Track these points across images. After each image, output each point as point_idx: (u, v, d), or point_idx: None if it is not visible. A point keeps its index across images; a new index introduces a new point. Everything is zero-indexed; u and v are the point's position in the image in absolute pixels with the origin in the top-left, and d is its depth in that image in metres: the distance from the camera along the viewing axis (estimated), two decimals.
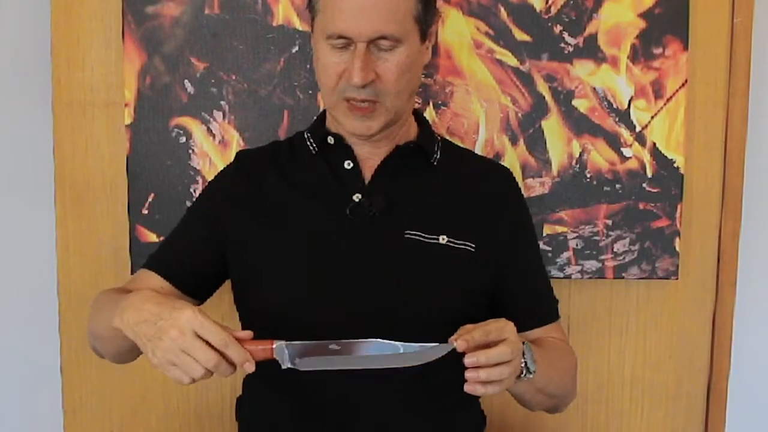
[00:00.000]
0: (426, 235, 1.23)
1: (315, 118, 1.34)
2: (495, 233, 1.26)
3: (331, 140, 1.27)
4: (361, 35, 1.14)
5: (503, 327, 1.07)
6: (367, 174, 1.26)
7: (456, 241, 1.23)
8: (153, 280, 1.26)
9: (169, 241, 1.32)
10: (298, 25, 1.50)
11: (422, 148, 1.28)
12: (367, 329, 1.15)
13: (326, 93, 1.22)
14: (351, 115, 1.20)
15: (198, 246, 1.28)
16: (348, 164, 1.26)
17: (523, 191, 1.51)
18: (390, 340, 1.10)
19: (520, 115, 1.53)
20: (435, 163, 1.28)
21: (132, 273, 1.55)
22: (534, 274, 1.32)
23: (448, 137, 1.50)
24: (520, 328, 1.27)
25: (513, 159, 1.53)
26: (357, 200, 1.23)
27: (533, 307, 1.31)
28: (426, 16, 1.20)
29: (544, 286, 1.34)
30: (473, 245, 1.24)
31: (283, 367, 1.05)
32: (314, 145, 1.28)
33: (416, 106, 1.51)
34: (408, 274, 1.21)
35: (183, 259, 1.28)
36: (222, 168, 1.38)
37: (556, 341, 1.30)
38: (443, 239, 1.23)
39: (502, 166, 1.41)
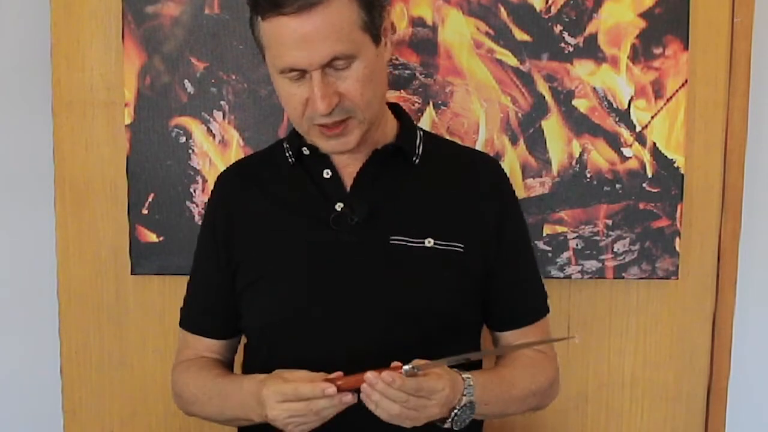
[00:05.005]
0: (411, 240, 1.21)
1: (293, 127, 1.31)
2: (483, 230, 1.25)
3: (306, 151, 1.26)
4: (312, 64, 1.11)
5: (434, 391, 1.08)
6: (348, 181, 1.25)
7: (443, 243, 1.22)
8: (203, 343, 1.33)
9: (196, 295, 1.34)
10: None
11: (401, 149, 1.26)
12: (359, 340, 1.15)
13: (295, 123, 1.21)
14: (326, 137, 1.18)
15: (221, 295, 1.29)
16: (327, 173, 1.24)
17: (522, 191, 1.52)
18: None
19: (520, 115, 1.52)
20: (416, 162, 1.26)
21: (132, 273, 1.56)
22: (518, 275, 1.30)
23: (448, 137, 1.51)
24: (498, 328, 1.31)
25: (513, 159, 1.53)
26: (339, 209, 1.22)
27: (512, 310, 1.30)
28: (373, 20, 1.15)
29: (528, 286, 1.32)
30: (461, 245, 1.22)
31: None
32: (292, 157, 1.27)
33: (416, 106, 1.52)
34: (396, 280, 1.21)
35: (217, 314, 1.31)
36: (214, 184, 1.37)
37: (528, 356, 1.28)
38: (429, 242, 1.22)
39: (489, 157, 1.39)
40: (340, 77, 1.14)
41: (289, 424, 1.11)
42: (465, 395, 1.13)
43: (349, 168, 1.25)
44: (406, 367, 1.06)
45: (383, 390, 1.06)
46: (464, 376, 1.14)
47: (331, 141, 1.19)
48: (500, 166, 1.34)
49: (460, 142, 1.49)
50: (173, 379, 1.33)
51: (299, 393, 1.09)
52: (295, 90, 1.15)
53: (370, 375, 1.06)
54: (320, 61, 1.11)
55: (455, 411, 1.12)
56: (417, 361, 1.07)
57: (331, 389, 1.06)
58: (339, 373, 1.09)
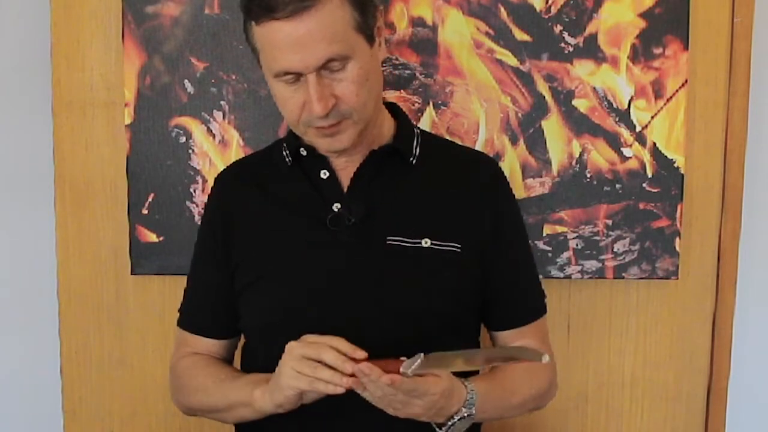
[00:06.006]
0: (408, 240, 1.21)
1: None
2: (480, 230, 1.24)
3: (303, 152, 1.25)
4: (307, 67, 1.11)
5: (426, 392, 1.07)
6: (345, 182, 1.24)
7: (440, 243, 1.22)
8: (202, 343, 1.32)
9: (195, 295, 1.34)
10: None
11: (398, 150, 1.25)
12: (357, 340, 1.15)
13: (292, 125, 1.21)
14: (321, 135, 1.18)
15: (220, 294, 1.29)
16: (324, 174, 1.24)
17: (522, 191, 1.52)
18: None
19: (520, 115, 1.52)
20: (413, 163, 1.26)
21: (132, 273, 1.56)
22: (515, 275, 1.30)
23: (448, 137, 1.51)
24: (496, 328, 1.31)
25: (513, 159, 1.53)
26: (336, 210, 1.22)
27: (509, 310, 1.29)
28: (366, 21, 1.15)
29: (526, 286, 1.32)
30: (458, 246, 1.22)
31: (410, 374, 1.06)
32: (289, 157, 1.27)
33: (416, 106, 1.52)
34: (392, 281, 1.20)
35: (216, 314, 1.31)
36: (213, 184, 1.37)
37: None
38: (426, 242, 1.21)
39: (487, 156, 1.39)
40: (335, 79, 1.14)
41: (294, 365, 1.10)
42: (465, 407, 1.13)
43: (346, 168, 1.25)
44: (411, 366, 1.06)
45: (377, 382, 1.06)
46: (470, 388, 1.14)
47: (327, 139, 1.19)
48: (498, 166, 1.34)
49: (459, 142, 1.49)
50: (177, 373, 1.33)
51: (332, 341, 1.09)
52: (291, 93, 1.15)
53: (365, 366, 1.05)
54: (315, 64, 1.11)
55: (453, 421, 1.12)
56: (433, 356, 1.07)
57: (361, 353, 1.07)
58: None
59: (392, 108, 1.31)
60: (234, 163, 1.39)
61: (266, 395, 1.16)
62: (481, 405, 1.15)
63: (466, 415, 1.13)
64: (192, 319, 1.34)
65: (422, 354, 1.06)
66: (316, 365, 1.08)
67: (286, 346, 1.12)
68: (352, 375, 1.06)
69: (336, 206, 1.23)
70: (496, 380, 1.24)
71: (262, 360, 1.24)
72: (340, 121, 1.16)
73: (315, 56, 1.11)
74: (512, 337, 1.30)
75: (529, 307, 1.32)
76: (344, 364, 1.06)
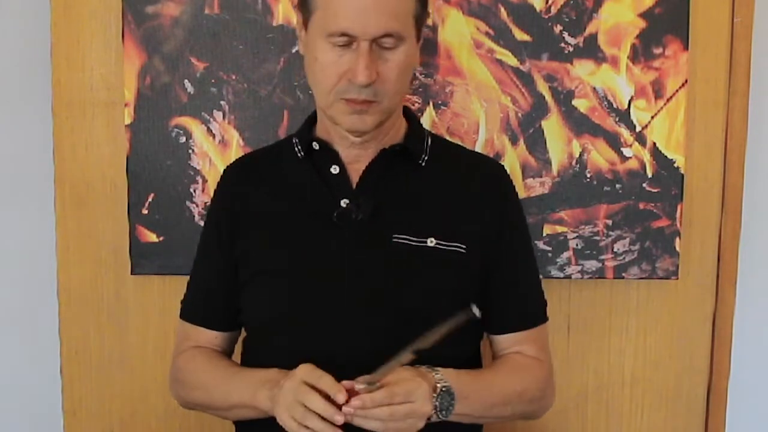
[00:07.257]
0: (414, 239, 1.22)
1: (303, 121, 1.32)
2: (485, 232, 1.25)
3: (316, 146, 1.26)
4: (366, 33, 1.13)
5: (411, 392, 1.09)
6: (354, 178, 1.25)
7: (445, 243, 1.22)
8: (204, 335, 1.33)
9: (198, 287, 1.35)
10: None
11: (408, 150, 1.26)
12: (358, 337, 1.15)
13: (322, 93, 1.20)
14: (348, 111, 1.19)
15: (223, 288, 1.30)
16: (334, 169, 1.25)
17: (522, 191, 1.52)
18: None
19: (520, 115, 1.53)
20: (423, 164, 1.27)
21: (132, 273, 1.56)
22: (516, 279, 1.30)
23: (448, 137, 1.51)
24: (495, 331, 1.31)
25: (513, 159, 1.53)
26: (344, 205, 1.23)
27: (509, 313, 1.29)
28: (422, 16, 1.20)
29: (526, 291, 1.32)
30: (463, 246, 1.23)
31: None
32: (301, 151, 1.27)
33: (416, 106, 1.52)
34: (397, 279, 1.21)
35: (219, 305, 1.32)
36: (219, 178, 1.37)
37: (517, 360, 1.28)
38: (431, 242, 1.22)
39: (495, 161, 1.40)
40: (382, 57, 1.16)
41: (289, 406, 1.11)
42: (438, 383, 1.13)
43: (356, 165, 1.26)
44: (360, 386, 1.08)
45: (363, 414, 1.07)
46: (424, 367, 1.15)
47: (353, 116, 1.19)
48: (505, 170, 1.35)
49: (459, 142, 1.50)
50: (177, 367, 1.33)
51: (323, 381, 1.10)
52: (336, 59, 1.16)
53: (346, 409, 1.07)
54: (374, 33, 1.13)
55: (435, 401, 1.12)
56: (366, 377, 1.09)
57: (342, 395, 1.08)
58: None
59: (404, 110, 1.32)
60: (241, 157, 1.41)
61: (269, 404, 1.16)
62: (457, 386, 1.15)
63: (442, 388, 1.13)
64: (194, 310, 1.34)
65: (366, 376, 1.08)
66: (305, 412, 1.09)
67: (284, 387, 1.12)
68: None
69: (344, 202, 1.23)
70: (471, 370, 1.24)
71: (262, 355, 1.24)
72: (372, 101, 1.17)
73: (377, 25, 1.13)
74: (510, 341, 1.30)
75: (528, 311, 1.32)
76: (333, 416, 1.07)
